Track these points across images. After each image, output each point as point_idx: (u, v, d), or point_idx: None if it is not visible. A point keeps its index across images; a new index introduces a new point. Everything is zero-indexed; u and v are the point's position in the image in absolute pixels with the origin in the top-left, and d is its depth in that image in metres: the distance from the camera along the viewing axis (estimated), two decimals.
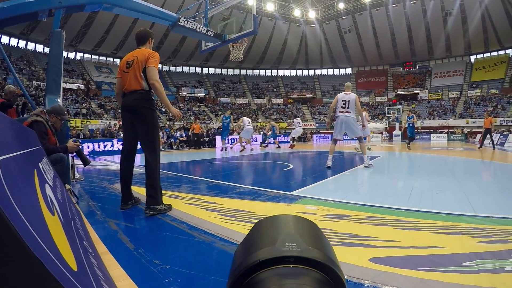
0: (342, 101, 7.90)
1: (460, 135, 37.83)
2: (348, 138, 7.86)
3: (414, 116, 16.51)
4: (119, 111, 33.24)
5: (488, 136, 16.63)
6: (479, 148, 16.67)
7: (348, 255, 2.24)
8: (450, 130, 40.34)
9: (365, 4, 47.56)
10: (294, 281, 0.41)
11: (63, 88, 5.63)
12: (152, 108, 3.61)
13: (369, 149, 13.79)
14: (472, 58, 52.17)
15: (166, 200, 3.77)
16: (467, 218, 3.16)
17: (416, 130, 42.86)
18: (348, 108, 7.84)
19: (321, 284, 0.41)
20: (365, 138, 10.93)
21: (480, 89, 47.51)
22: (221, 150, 14.59)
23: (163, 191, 3.70)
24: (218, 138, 22.04)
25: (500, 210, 3.48)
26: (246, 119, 15.35)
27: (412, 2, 45.47)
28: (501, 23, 43.94)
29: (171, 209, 3.59)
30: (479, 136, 30.22)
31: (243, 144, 16.31)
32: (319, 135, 39.46)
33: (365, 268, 2.04)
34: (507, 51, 48.96)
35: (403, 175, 6.89)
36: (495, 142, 17.43)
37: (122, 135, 3.67)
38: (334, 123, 8.13)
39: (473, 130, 39.23)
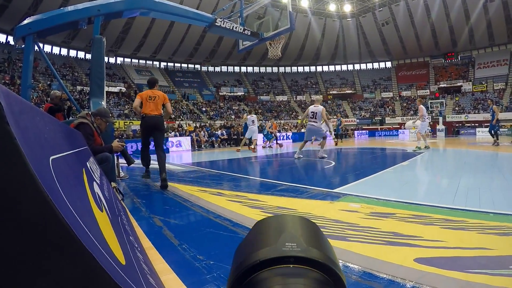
0: (311, 112, 9.59)
1: (507, 129, 35.86)
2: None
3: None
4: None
5: None
6: None
7: (392, 255, 2.17)
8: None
9: None
10: (294, 281, 0.39)
11: (106, 91, 5.93)
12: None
13: (418, 148, 12.07)
14: None
15: (208, 197, 3.85)
16: None
17: (461, 124, 41.36)
18: (315, 118, 9.53)
19: (321, 284, 0.40)
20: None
21: None
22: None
23: (206, 188, 5.01)
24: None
25: None
26: (250, 117, 13.57)
27: None
28: None
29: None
30: None
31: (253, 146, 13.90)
32: (360, 131, 38.80)
33: (410, 268, 1.97)
34: None
35: (448, 172, 6.61)
36: None
37: (142, 137, 6.15)
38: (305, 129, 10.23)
39: None
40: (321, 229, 0.49)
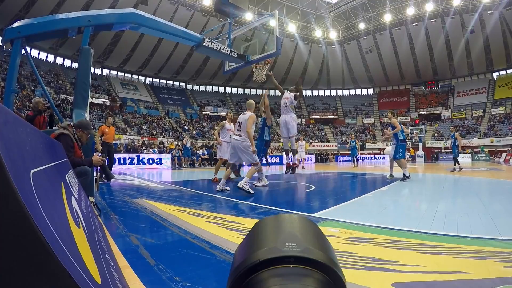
0: (238, 122, 7.24)
1: (484, 155, 36.85)
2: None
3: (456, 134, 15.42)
4: (143, 127, 33.95)
5: None
6: None
7: (370, 280, 2.17)
8: (474, 149, 39.43)
9: (385, 24, 47.69)
10: (294, 281, 0.40)
11: (89, 102, 5.78)
12: None
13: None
14: (495, 75, 51.20)
15: (187, 217, 3.90)
16: (493, 242, 3.03)
17: (440, 150, 42.20)
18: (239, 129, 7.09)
19: (322, 285, 0.41)
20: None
21: (504, 107, 46.36)
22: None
23: (184, 208, 4.44)
24: None
25: None
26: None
27: (432, 20, 45.32)
28: None
29: None
30: (504, 155, 29.31)
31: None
32: (340, 155, 39.33)
33: None
34: None
35: (427, 197, 6.72)
36: None
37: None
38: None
39: (498, 149, 38.22)
40: None
